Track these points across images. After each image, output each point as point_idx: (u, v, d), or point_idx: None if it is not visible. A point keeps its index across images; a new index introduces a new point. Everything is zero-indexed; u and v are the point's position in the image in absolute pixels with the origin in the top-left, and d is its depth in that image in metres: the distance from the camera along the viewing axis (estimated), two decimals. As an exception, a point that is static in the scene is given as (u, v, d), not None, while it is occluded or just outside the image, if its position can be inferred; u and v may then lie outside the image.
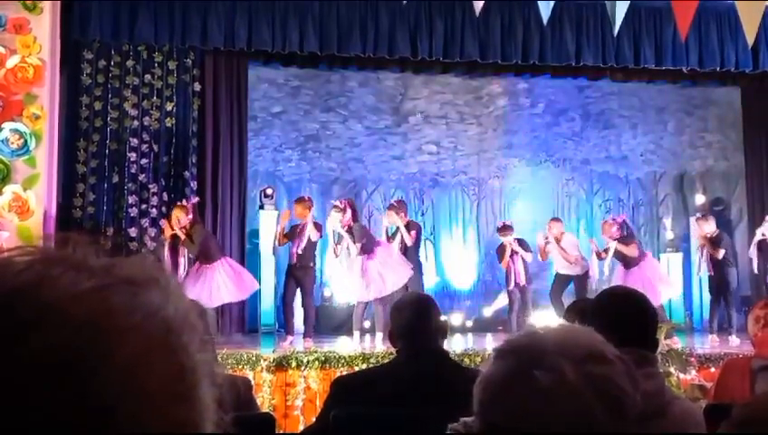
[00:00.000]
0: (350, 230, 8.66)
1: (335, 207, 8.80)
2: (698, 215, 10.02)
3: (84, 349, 0.52)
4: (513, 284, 9.55)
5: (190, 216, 8.52)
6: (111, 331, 0.53)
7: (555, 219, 10.06)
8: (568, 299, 8.78)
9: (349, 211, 8.70)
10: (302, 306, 8.64)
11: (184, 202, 8.76)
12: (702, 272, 9.58)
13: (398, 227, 8.97)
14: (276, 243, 9.05)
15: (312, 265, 8.62)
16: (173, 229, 8.47)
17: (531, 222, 10.68)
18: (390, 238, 9.04)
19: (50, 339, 0.51)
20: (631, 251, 9.22)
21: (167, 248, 8.54)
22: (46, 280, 0.55)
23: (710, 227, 9.30)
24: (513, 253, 9.50)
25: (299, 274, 8.52)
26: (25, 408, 0.49)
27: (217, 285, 8.30)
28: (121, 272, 0.58)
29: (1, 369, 0.50)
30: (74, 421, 0.50)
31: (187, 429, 0.55)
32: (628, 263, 9.26)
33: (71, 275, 0.56)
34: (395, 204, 9.44)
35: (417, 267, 9.11)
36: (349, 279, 8.86)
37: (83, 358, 0.51)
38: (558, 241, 9.59)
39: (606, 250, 9.41)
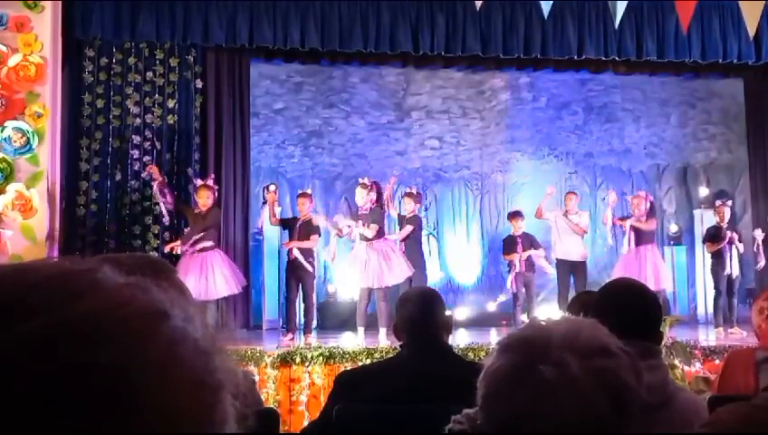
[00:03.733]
0: (370, 211, 8.68)
1: (362, 184, 8.81)
2: (719, 202, 9.87)
3: (124, 331, 0.52)
4: (516, 278, 9.47)
5: (215, 197, 8.56)
6: (151, 317, 0.54)
7: (572, 192, 10.07)
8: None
9: (374, 192, 8.75)
10: (303, 302, 8.64)
11: (209, 182, 8.69)
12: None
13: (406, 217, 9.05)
14: (270, 222, 9.05)
15: (311, 260, 8.61)
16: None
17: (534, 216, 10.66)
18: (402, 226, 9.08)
19: (91, 317, 0.52)
20: (650, 225, 9.22)
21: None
22: (87, 270, 0.56)
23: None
24: (521, 246, 9.44)
25: (299, 271, 8.52)
26: (61, 387, 0.49)
27: (213, 276, 8.24)
28: (147, 276, 0.59)
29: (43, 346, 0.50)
30: (108, 403, 0.50)
31: (212, 425, 0.56)
32: (641, 238, 9.19)
33: (107, 270, 0.57)
34: (414, 193, 9.47)
35: (421, 262, 9.13)
36: (352, 266, 8.81)
37: (122, 339, 0.52)
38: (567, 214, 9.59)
39: (624, 218, 9.37)
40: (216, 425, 0.56)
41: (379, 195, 8.81)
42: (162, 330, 0.54)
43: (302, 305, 8.77)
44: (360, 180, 9.04)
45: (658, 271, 9.18)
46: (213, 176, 8.95)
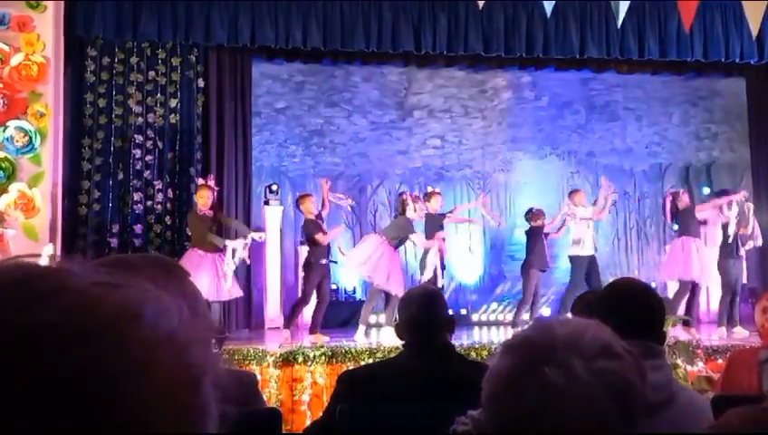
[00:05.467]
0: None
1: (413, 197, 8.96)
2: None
3: (93, 331, 0.52)
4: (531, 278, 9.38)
5: (215, 197, 8.53)
6: (121, 317, 0.53)
7: (576, 190, 10.06)
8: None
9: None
10: (319, 302, 8.58)
11: (209, 182, 8.65)
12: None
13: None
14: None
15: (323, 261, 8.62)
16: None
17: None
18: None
19: (56, 319, 0.51)
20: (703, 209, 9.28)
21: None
22: (55, 270, 0.55)
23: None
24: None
25: (325, 270, 8.53)
26: (32, 389, 0.49)
27: (215, 279, 8.24)
28: (128, 273, 0.58)
29: (6, 349, 0.50)
30: (80, 402, 0.50)
31: (194, 417, 0.55)
32: (687, 228, 9.17)
33: (85, 269, 0.57)
34: (438, 193, 9.42)
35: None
36: (370, 258, 8.71)
37: (91, 339, 0.51)
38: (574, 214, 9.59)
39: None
40: (194, 418, 0.55)
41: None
42: (131, 329, 0.53)
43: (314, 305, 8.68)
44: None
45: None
46: (212, 176, 8.95)
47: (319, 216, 8.65)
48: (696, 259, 8.94)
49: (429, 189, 9.56)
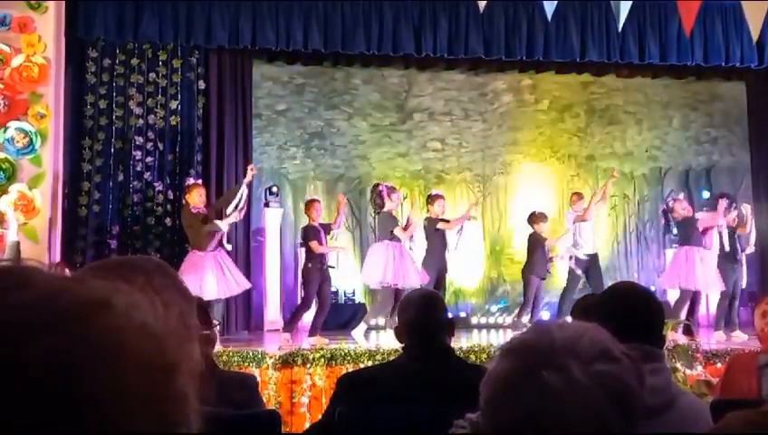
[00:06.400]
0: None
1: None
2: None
3: (59, 319, 0.52)
4: (531, 282, 9.35)
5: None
6: (87, 305, 0.54)
7: (578, 192, 10.07)
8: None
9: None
10: (321, 306, 8.57)
11: (200, 181, 8.59)
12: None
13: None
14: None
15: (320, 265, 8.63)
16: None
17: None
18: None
19: (20, 311, 0.52)
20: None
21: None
22: (19, 267, 0.56)
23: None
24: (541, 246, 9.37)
25: (326, 273, 8.54)
26: (13, 395, 0.49)
27: (231, 272, 8.20)
28: (101, 271, 0.59)
29: None
30: (50, 391, 0.50)
31: (168, 406, 0.56)
32: (689, 237, 9.16)
33: (52, 273, 0.57)
34: (440, 196, 9.39)
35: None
36: (380, 262, 8.69)
37: (58, 327, 0.52)
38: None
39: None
40: (168, 406, 0.56)
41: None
42: (98, 315, 0.54)
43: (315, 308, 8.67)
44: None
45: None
46: (194, 175, 8.95)
47: (323, 225, 8.64)
48: (700, 269, 8.93)
49: (432, 193, 9.53)
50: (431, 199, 9.22)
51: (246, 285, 8.45)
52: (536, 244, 9.31)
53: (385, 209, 8.71)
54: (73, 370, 0.51)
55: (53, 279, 0.55)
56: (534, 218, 9.49)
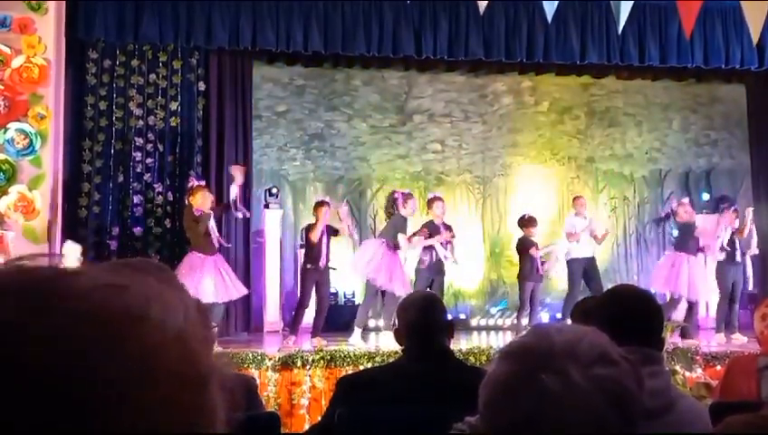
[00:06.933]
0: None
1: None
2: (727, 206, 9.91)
3: (98, 336, 0.52)
4: (526, 284, 9.36)
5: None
6: (125, 321, 0.54)
7: (579, 196, 10.13)
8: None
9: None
10: (319, 307, 8.56)
11: (203, 183, 8.54)
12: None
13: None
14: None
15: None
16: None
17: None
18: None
19: (63, 326, 0.52)
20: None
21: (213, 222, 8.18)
22: (61, 275, 0.55)
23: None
24: (535, 250, 9.37)
25: (325, 275, 8.55)
26: (40, 393, 0.50)
27: (229, 276, 8.20)
28: (134, 273, 0.58)
29: (14, 355, 0.50)
30: (87, 406, 0.50)
31: (202, 419, 0.56)
32: (685, 243, 9.16)
33: (86, 273, 0.57)
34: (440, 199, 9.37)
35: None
36: (370, 261, 8.72)
37: (96, 345, 0.52)
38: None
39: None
40: (201, 419, 0.56)
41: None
42: (134, 332, 0.54)
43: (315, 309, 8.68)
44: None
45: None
46: (195, 175, 8.93)
47: (329, 227, 8.63)
48: (685, 275, 8.91)
49: (430, 195, 9.51)
50: (429, 202, 9.21)
51: (243, 291, 8.44)
52: (526, 248, 9.34)
53: (402, 213, 8.74)
54: (107, 388, 0.51)
55: (92, 288, 0.55)
56: (524, 223, 9.51)
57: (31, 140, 8.18)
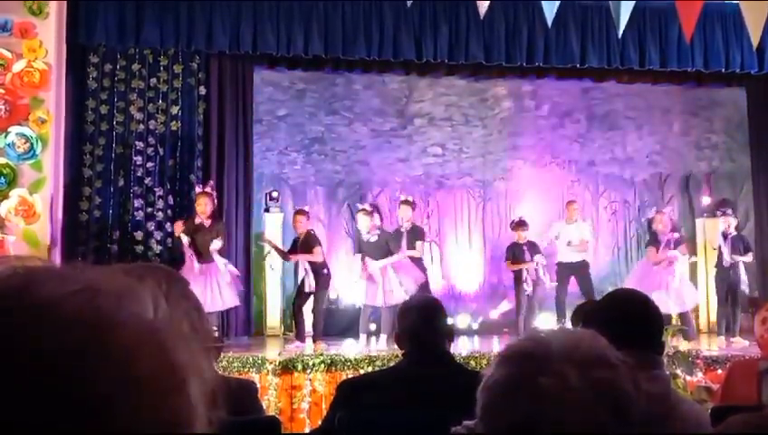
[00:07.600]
0: (378, 238, 8.75)
1: (364, 211, 8.91)
2: (720, 212, 9.93)
3: (79, 343, 0.52)
4: (524, 285, 9.42)
5: (215, 204, 8.51)
6: (102, 326, 0.54)
7: (573, 201, 10.28)
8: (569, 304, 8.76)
9: (377, 216, 8.85)
10: (316, 309, 8.62)
11: (207, 189, 8.60)
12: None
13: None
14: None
15: (324, 271, 8.68)
16: (185, 225, 8.35)
17: (536, 224, 10.66)
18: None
19: (43, 335, 0.52)
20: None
21: (186, 244, 8.35)
22: (32, 284, 0.56)
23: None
24: (529, 254, 9.41)
25: (324, 280, 8.63)
26: (26, 401, 0.50)
27: (219, 287, 8.21)
28: (102, 277, 0.58)
29: None
30: (74, 412, 0.51)
31: (181, 419, 0.56)
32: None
33: (56, 280, 0.57)
34: (411, 201, 9.44)
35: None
36: (363, 282, 8.83)
37: (79, 351, 0.52)
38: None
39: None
40: (180, 420, 0.56)
41: (381, 216, 8.94)
42: (107, 340, 0.54)
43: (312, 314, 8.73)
44: (361, 206, 9.11)
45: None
46: (212, 183, 8.94)
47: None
48: (662, 292, 8.88)
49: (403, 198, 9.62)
50: (400, 205, 9.34)
51: (234, 302, 8.45)
52: (516, 254, 9.43)
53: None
54: (93, 396, 0.51)
55: (59, 299, 0.55)
56: (515, 226, 9.61)
57: (32, 144, 8.18)
